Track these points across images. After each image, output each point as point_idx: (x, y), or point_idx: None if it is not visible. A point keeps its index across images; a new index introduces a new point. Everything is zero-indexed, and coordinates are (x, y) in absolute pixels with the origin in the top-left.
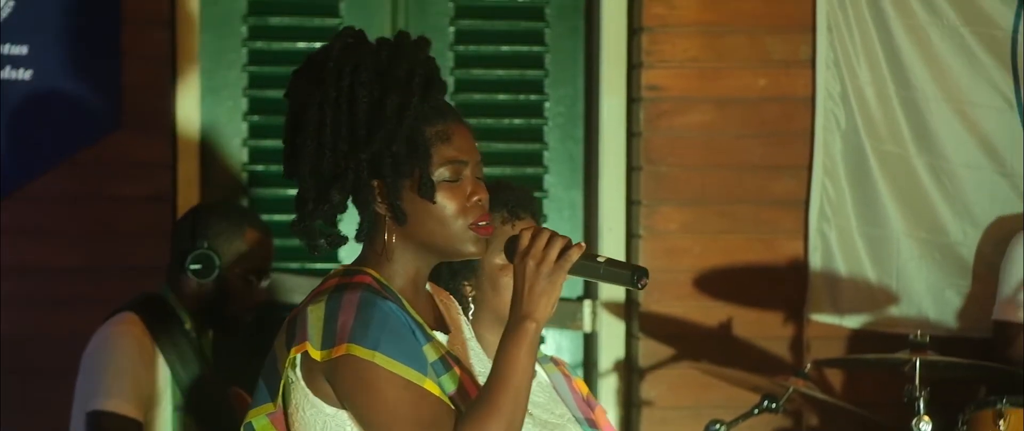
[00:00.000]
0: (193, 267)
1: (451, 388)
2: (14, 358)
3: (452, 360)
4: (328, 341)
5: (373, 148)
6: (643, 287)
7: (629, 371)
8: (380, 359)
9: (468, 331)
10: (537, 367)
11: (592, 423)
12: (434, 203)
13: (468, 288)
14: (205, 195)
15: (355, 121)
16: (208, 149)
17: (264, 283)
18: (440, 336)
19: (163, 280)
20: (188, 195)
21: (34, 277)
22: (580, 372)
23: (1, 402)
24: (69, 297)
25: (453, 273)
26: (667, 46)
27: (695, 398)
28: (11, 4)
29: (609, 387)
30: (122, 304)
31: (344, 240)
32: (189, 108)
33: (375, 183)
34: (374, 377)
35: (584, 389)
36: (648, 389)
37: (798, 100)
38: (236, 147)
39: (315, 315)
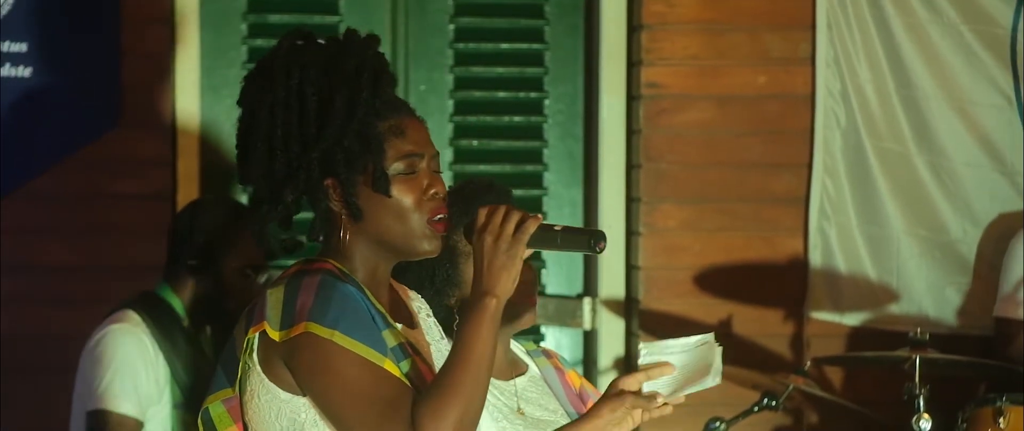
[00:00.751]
0: (190, 262)
1: (405, 372)
2: (14, 356)
3: (411, 349)
4: (287, 321)
5: (324, 145)
6: (601, 251)
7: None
8: (339, 338)
9: (436, 335)
10: (528, 360)
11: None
12: (390, 197)
13: (453, 301)
14: (205, 192)
15: (305, 120)
16: (208, 146)
17: (262, 278)
18: (399, 327)
19: (160, 278)
20: (188, 192)
21: (34, 275)
22: (580, 370)
23: (1, 400)
24: (69, 295)
25: (437, 291)
26: (667, 44)
27: (695, 396)
28: (11, 1)
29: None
30: (120, 302)
31: (301, 244)
32: (189, 105)
33: (329, 182)
34: (333, 355)
35: (577, 382)
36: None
37: (798, 98)
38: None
39: (274, 298)
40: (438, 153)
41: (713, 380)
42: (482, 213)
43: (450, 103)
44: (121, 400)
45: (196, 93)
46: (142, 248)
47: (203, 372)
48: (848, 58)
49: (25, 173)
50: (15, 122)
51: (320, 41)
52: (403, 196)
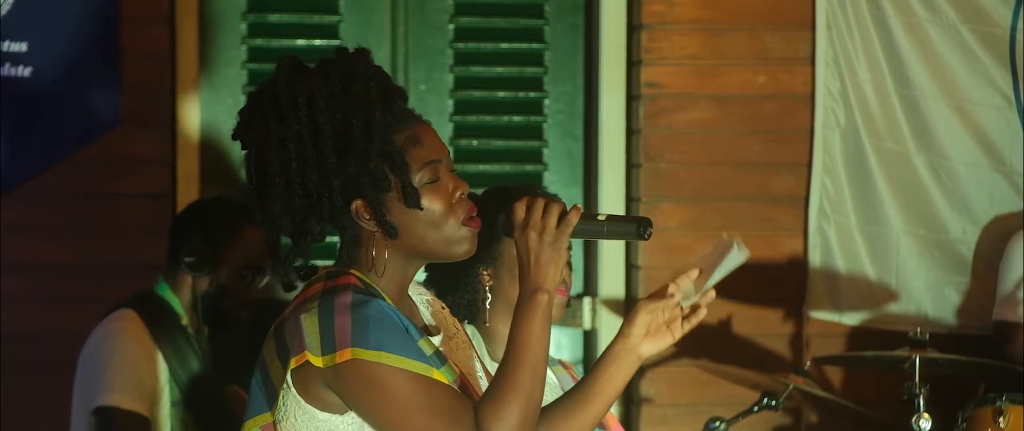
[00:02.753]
0: (188, 260)
1: (451, 378)
2: (13, 355)
3: (445, 355)
4: (328, 347)
5: (348, 171)
6: (649, 237)
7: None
8: (387, 358)
9: (453, 327)
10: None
11: (601, 424)
12: (422, 210)
13: (486, 276)
14: (205, 192)
15: (321, 149)
16: (208, 146)
17: (260, 280)
18: (430, 340)
19: (159, 276)
20: (188, 192)
21: (34, 274)
22: (580, 369)
23: (1, 399)
24: (69, 294)
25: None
26: (666, 43)
27: (695, 395)
28: (11, 1)
29: None
30: (119, 302)
31: (316, 270)
32: (189, 105)
33: (356, 204)
34: (385, 376)
35: None
36: (648, 386)
37: (797, 97)
38: (236, 144)
39: (309, 323)
40: (449, 151)
41: (740, 255)
42: (520, 208)
43: (450, 102)
44: (127, 396)
45: (196, 93)
46: (142, 247)
47: (201, 371)
48: (847, 58)
49: (25, 172)
50: (15, 122)
51: (313, 66)
52: (433, 205)
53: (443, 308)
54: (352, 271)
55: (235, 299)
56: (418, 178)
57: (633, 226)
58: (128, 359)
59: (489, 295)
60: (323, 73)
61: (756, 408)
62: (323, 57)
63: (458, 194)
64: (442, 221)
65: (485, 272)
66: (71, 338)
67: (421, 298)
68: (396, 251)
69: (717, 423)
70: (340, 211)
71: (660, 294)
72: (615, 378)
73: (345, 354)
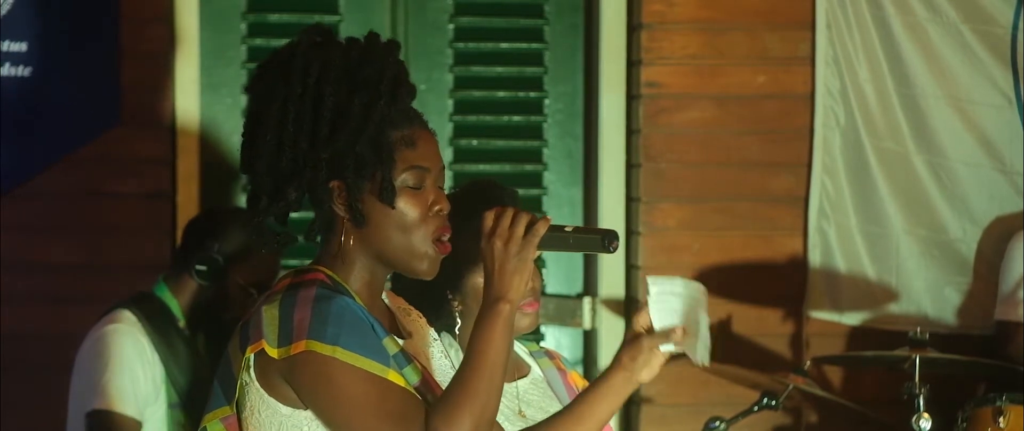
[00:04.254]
0: (199, 268)
1: (415, 380)
2: (12, 355)
3: (412, 355)
4: (284, 339)
5: (335, 148)
6: (614, 250)
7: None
8: (341, 353)
9: (430, 336)
10: (531, 362)
11: None
12: (394, 208)
13: (455, 303)
14: (204, 191)
15: (319, 119)
16: (207, 146)
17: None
18: (396, 340)
19: (158, 277)
20: (187, 192)
21: (33, 274)
22: (580, 369)
23: (1, 398)
24: (68, 294)
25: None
26: (666, 43)
27: (694, 395)
28: (11, 1)
29: None
30: (115, 302)
31: (294, 240)
32: (188, 105)
33: (334, 184)
34: (337, 372)
35: (580, 383)
36: (647, 386)
37: (797, 97)
38: (235, 144)
39: (270, 314)
40: (445, 168)
41: (702, 356)
42: (489, 217)
43: (450, 102)
44: (120, 400)
45: (196, 92)
46: (141, 247)
47: (198, 372)
48: (847, 57)
49: (25, 172)
50: (15, 121)
51: (340, 42)
52: (408, 209)
53: (420, 317)
54: (322, 268)
55: (235, 312)
56: (401, 179)
57: (598, 239)
58: (123, 362)
59: (459, 321)
60: (343, 49)
61: (756, 408)
62: (351, 36)
63: (436, 208)
64: (412, 229)
65: (454, 300)
66: (70, 338)
67: (399, 308)
68: (363, 245)
69: (717, 423)
70: (320, 186)
71: (645, 319)
72: (612, 401)
73: (299, 346)
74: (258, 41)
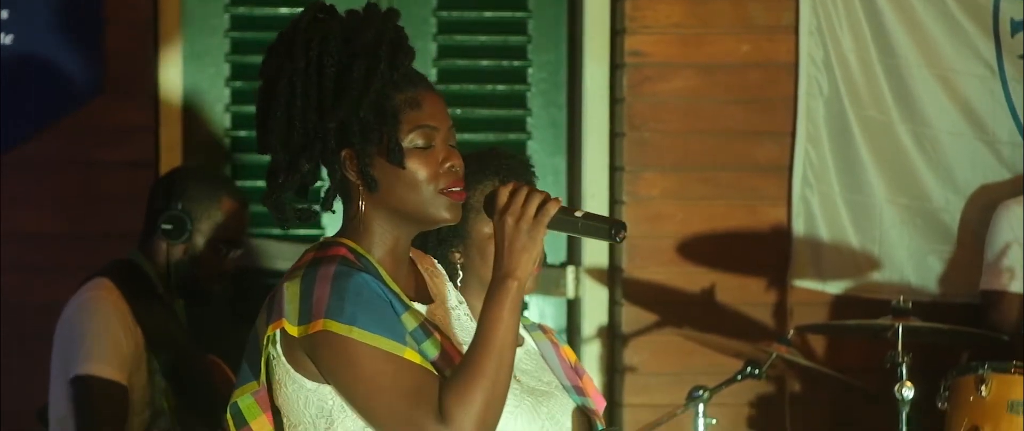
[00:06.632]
0: (164, 227)
1: (433, 354)
2: None
3: (432, 327)
4: (304, 317)
5: (340, 115)
6: (622, 240)
7: (612, 337)
8: (357, 333)
9: (455, 300)
10: (525, 334)
11: (580, 391)
12: (404, 169)
13: (457, 255)
14: (187, 160)
15: (323, 90)
16: (191, 114)
17: (234, 254)
18: (419, 306)
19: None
20: (170, 160)
21: (16, 243)
22: (563, 338)
23: None
24: (50, 263)
25: (441, 240)
26: (650, 12)
27: (678, 364)
28: None
29: (592, 353)
30: (95, 270)
31: (314, 214)
32: (172, 73)
33: (345, 152)
34: (353, 351)
35: (572, 357)
36: (631, 355)
37: (781, 66)
38: (218, 112)
39: (291, 291)
40: (454, 126)
41: None
42: (503, 193)
43: (433, 72)
44: (105, 365)
45: (179, 61)
46: (124, 216)
47: (179, 338)
48: (831, 26)
49: (7, 142)
50: None
51: (341, 14)
52: (418, 169)
53: (446, 280)
54: (345, 241)
55: (208, 271)
56: (409, 139)
57: (606, 227)
58: (105, 328)
59: (461, 273)
60: (342, 20)
61: (739, 377)
62: (351, 8)
63: (448, 165)
64: (423, 186)
65: (455, 252)
66: (53, 306)
67: (427, 269)
68: (379, 210)
69: (700, 392)
70: (332, 155)
71: None
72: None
73: (317, 324)
74: (241, 10)
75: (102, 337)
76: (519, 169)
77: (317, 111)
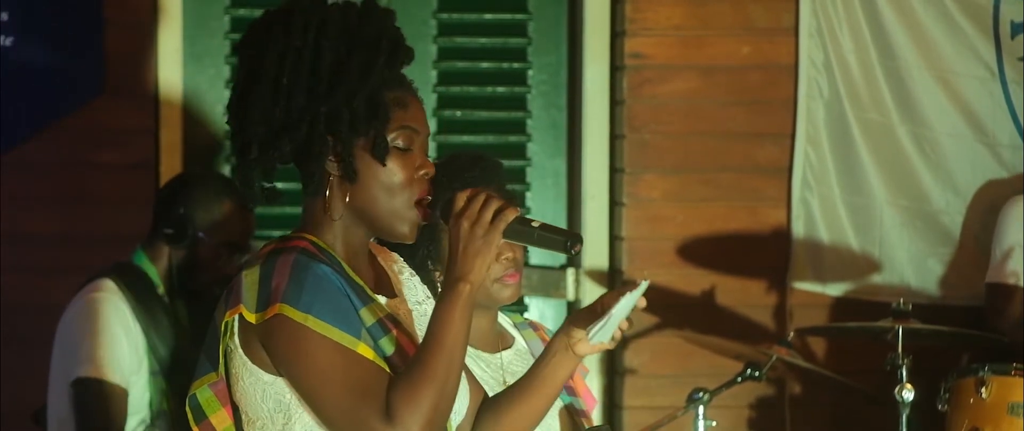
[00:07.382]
0: (167, 231)
1: (389, 350)
2: None
3: (391, 323)
4: (262, 303)
5: (333, 102)
6: (576, 253)
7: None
8: (312, 322)
9: (422, 294)
10: (515, 334)
11: (570, 390)
12: (384, 166)
13: (437, 274)
14: (187, 162)
15: (317, 74)
16: (190, 116)
17: (237, 258)
18: (381, 299)
19: (138, 246)
20: (170, 162)
21: (16, 243)
22: None
23: None
24: (50, 264)
25: (416, 267)
26: (650, 14)
27: (678, 366)
28: None
29: (592, 356)
30: (96, 271)
31: (280, 194)
32: (171, 75)
33: (328, 138)
34: (306, 340)
35: None
36: (631, 357)
37: (781, 68)
38: (218, 114)
39: (250, 279)
40: (429, 134)
41: (600, 337)
42: (461, 198)
43: (433, 73)
44: (106, 367)
45: (179, 62)
46: (124, 217)
47: (179, 340)
48: (831, 28)
49: (7, 142)
50: None
51: (338, 3)
52: (396, 169)
53: (413, 275)
54: (305, 235)
55: (210, 274)
56: (392, 138)
57: (561, 239)
58: (106, 330)
59: (441, 289)
60: (343, 8)
61: (739, 379)
62: (349, 0)
63: (422, 172)
64: (398, 190)
65: (435, 272)
66: (52, 308)
67: (391, 266)
68: (348, 204)
69: (700, 394)
70: (315, 140)
71: (595, 309)
72: (557, 373)
73: (273, 309)
74: (241, 11)
75: (103, 339)
76: (483, 177)
77: (306, 93)
